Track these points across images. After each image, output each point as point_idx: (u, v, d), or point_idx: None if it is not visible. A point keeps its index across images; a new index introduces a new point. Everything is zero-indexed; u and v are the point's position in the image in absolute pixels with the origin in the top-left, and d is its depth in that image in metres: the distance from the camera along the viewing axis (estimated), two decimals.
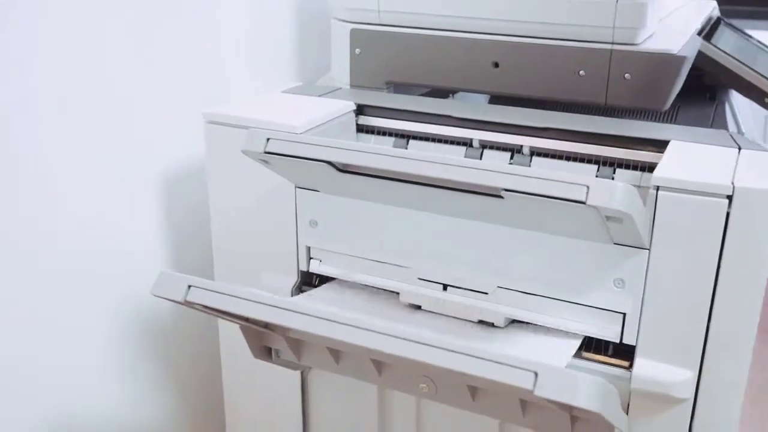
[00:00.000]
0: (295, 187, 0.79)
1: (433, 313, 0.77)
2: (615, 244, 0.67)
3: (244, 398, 0.93)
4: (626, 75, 0.81)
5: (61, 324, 0.85)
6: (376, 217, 0.76)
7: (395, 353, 0.54)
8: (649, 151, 0.74)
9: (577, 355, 0.72)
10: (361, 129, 0.87)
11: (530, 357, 0.52)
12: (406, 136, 0.85)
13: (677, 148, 0.71)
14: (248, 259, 0.85)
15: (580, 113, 0.83)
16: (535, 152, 0.79)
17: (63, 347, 0.86)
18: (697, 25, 0.93)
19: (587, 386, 0.50)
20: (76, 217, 0.84)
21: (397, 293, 0.78)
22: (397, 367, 0.68)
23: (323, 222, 0.79)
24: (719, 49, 0.89)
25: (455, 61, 0.88)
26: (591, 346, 0.72)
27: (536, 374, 0.51)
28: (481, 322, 0.75)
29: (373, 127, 0.86)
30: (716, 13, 1.09)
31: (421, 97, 0.93)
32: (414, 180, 0.65)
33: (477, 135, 0.82)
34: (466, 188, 0.63)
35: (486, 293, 0.74)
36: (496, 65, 0.87)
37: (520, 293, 0.73)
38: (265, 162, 0.71)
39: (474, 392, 0.66)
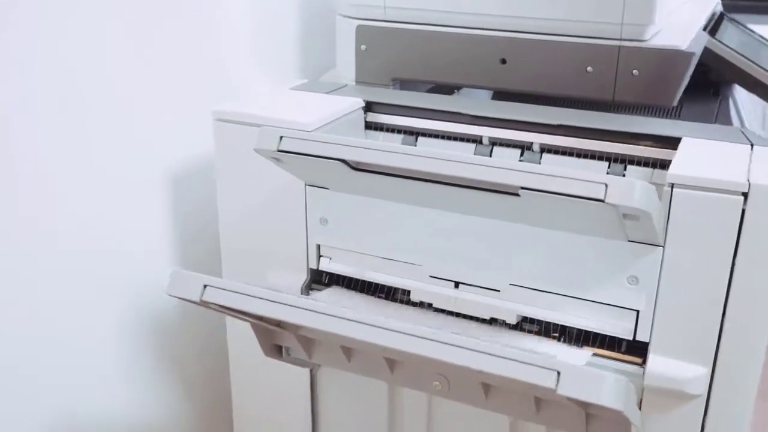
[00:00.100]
0: (305, 184, 0.79)
1: (442, 313, 0.78)
2: (629, 241, 0.67)
3: (252, 397, 0.93)
4: (634, 71, 0.81)
5: (61, 324, 0.84)
6: (386, 214, 0.76)
7: (417, 352, 0.54)
8: (660, 147, 0.74)
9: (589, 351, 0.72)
10: (369, 126, 0.86)
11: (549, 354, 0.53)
12: (414, 133, 0.85)
13: (690, 145, 0.71)
14: (257, 257, 0.84)
15: (585, 109, 0.83)
16: (546, 149, 0.79)
17: (63, 347, 0.85)
18: (703, 20, 0.93)
19: (612, 385, 0.50)
20: (76, 217, 0.83)
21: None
22: (409, 365, 0.68)
23: (333, 220, 0.79)
24: (725, 45, 0.90)
25: (462, 58, 0.88)
26: (605, 343, 0.72)
27: (559, 373, 0.51)
28: (492, 320, 0.75)
29: (381, 124, 0.86)
30: (719, 8, 1.09)
31: (430, 94, 0.93)
32: (429, 178, 0.65)
33: (486, 132, 0.81)
34: (483, 186, 0.63)
35: (498, 291, 0.74)
36: (504, 62, 0.86)
37: (532, 291, 0.73)
38: (277, 160, 0.70)
39: (487, 389, 0.66)
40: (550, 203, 0.61)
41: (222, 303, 0.60)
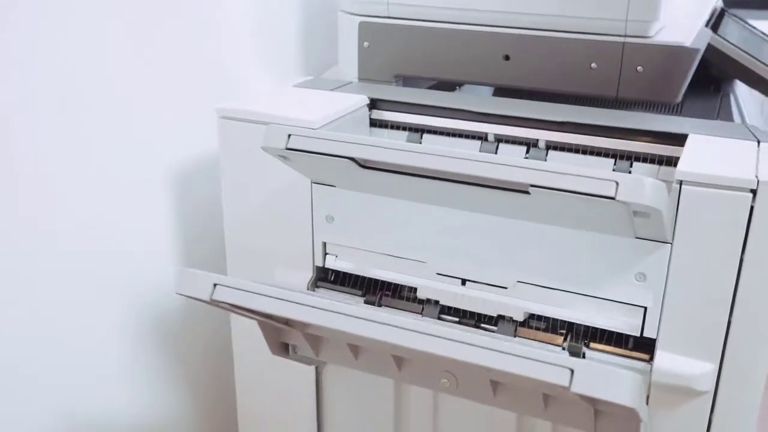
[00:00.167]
0: (311, 182, 0.78)
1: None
2: (637, 238, 0.67)
3: (257, 396, 0.93)
4: (638, 68, 0.81)
5: (61, 324, 0.84)
6: (393, 212, 0.76)
7: (429, 351, 0.54)
8: (666, 144, 0.74)
9: (596, 348, 0.72)
10: (374, 123, 0.86)
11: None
12: (419, 130, 0.85)
13: (697, 142, 0.71)
14: (263, 255, 0.84)
15: (587, 105, 0.83)
16: (551, 146, 0.79)
17: (63, 347, 0.85)
18: (705, 16, 0.93)
19: (627, 382, 0.50)
20: (76, 217, 0.83)
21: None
22: (417, 363, 0.68)
23: (339, 217, 0.79)
24: (727, 41, 0.90)
25: (466, 54, 0.88)
26: (611, 340, 0.72)
27: (572, 371, 0.51)
28: (499, 317, 0.75)
29: (386, 121, 0.86)
30: (720, 3, 1.10)
31: (434, 91, 0.93)
32: (439, 176, 0.65)
33: (492, 129, 0.81)
34: (493, 184, 0.63)
35: (505, 288, 0.74)
36: (507, 58, 0.86)
37: (539, 287, 0.73)
38: (284, 158, 0.70)
39: (495, 387, 0.66)
40: (560, 201, 0.60)
41: (233, 302, 0.60)
